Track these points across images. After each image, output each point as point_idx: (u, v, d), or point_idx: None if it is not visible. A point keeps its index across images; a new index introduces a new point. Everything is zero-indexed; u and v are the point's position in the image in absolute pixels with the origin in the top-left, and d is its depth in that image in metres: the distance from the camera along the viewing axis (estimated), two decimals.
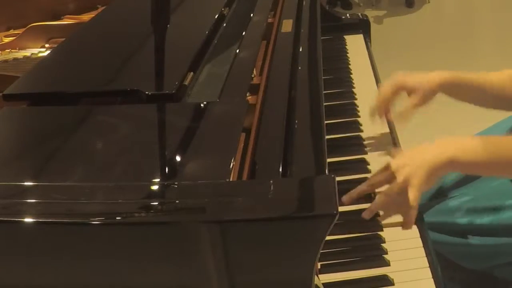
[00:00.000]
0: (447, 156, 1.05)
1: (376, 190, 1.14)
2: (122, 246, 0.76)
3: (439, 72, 1.28)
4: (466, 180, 1.34)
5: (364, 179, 1.22)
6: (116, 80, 1.14)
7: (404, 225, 1.08)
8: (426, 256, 1.05)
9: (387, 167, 1.09)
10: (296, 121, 1.09)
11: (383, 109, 1.32)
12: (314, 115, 1.15)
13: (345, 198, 1.10)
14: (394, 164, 1.08)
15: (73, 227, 0.76)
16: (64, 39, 1.41)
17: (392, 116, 1.32)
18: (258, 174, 0.92)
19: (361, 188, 1.11)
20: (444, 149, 1.06)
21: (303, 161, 0.99)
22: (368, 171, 1.26)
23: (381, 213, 1.14)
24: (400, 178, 1.05)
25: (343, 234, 1.09)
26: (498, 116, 1.43)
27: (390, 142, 1.37)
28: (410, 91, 1.28)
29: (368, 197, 1.18)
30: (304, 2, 1.71)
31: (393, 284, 0.99)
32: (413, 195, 1.04)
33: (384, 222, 1.12)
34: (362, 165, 1.28)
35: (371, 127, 1.40)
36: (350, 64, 1.79)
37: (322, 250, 0.74)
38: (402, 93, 1.31)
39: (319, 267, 1.02)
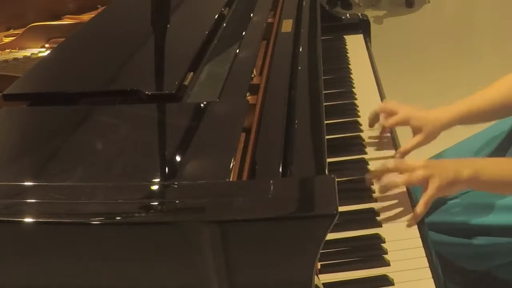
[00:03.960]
0: (469, 172, 1.11)
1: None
2: (122, 246, 0.76)
3: (443, 112, 1.32)
4: None
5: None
6: (116, 80, 1.13)
7: (410, 222, 1.11)
8: (426, 256, 1.05)
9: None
10: (296, 121, 1.09)
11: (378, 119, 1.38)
12: (314, 115, 1.15)
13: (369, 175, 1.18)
14: (419, 163, 1.12)
15: (73, 227, 0.76)
16: (64, 39, 1.41)
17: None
18: (258, 174, 0.92)
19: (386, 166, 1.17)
20: (466, 165, 1.12)
21: (303, 161, 0.99)
22: (368, 171, 1.26)
23: (381, 215, 1.14)
24: (426, 172, 1.09)
25: (343, 234, 1.09)
26: None
27: (390, 142, 1.37)
28: (414, 130, 1.33)
29: (369, 197, 1.18)
30: (304, 2, 1.71)
31: (393, 284, 0.99)
32: (429, 193, 1.07)
33: (383, 220, 1.13)
34: (362, 165, 1.28)
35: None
36: (350, 64, 1.79)
37: (322, 250, 0.74)
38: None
39: (319, 267, 1.02)
